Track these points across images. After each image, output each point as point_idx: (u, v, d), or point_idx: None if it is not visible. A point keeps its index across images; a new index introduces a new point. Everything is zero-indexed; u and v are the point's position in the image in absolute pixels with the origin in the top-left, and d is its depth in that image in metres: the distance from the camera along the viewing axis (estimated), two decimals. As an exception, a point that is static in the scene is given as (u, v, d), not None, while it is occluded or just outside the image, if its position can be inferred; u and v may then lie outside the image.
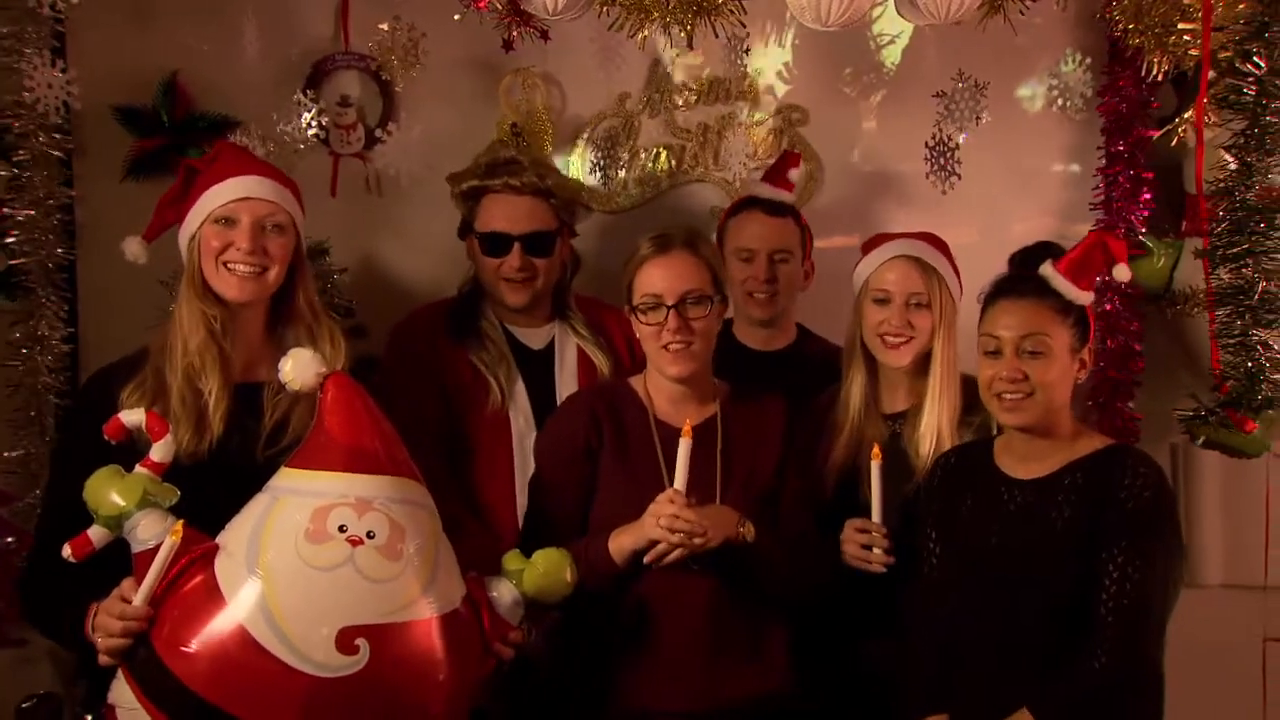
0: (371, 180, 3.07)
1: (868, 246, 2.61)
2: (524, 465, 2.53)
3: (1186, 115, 2.76)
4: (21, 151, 2.85)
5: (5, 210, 2.88)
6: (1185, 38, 2.68)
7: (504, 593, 2.05)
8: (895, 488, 2.40)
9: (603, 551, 2.22)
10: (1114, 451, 2.19)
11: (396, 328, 2.70)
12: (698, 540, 2.16)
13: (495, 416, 2.56)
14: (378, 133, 3.01)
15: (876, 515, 2.36)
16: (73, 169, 2.95)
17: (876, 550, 2.34)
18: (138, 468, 1.92)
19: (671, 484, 2.20)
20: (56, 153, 2.88)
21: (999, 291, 2.25)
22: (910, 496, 2.41)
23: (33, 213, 2.88)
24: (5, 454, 2.88)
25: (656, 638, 2.24)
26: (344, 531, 1.83)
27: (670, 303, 2.28)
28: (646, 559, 2.20)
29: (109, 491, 1.88)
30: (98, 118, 2.95)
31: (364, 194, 3.07)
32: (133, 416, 1.96)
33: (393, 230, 3.11)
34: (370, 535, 1.84)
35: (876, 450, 2.36)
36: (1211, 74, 2.74)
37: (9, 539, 2.73)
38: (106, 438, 1.95)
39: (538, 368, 2.64)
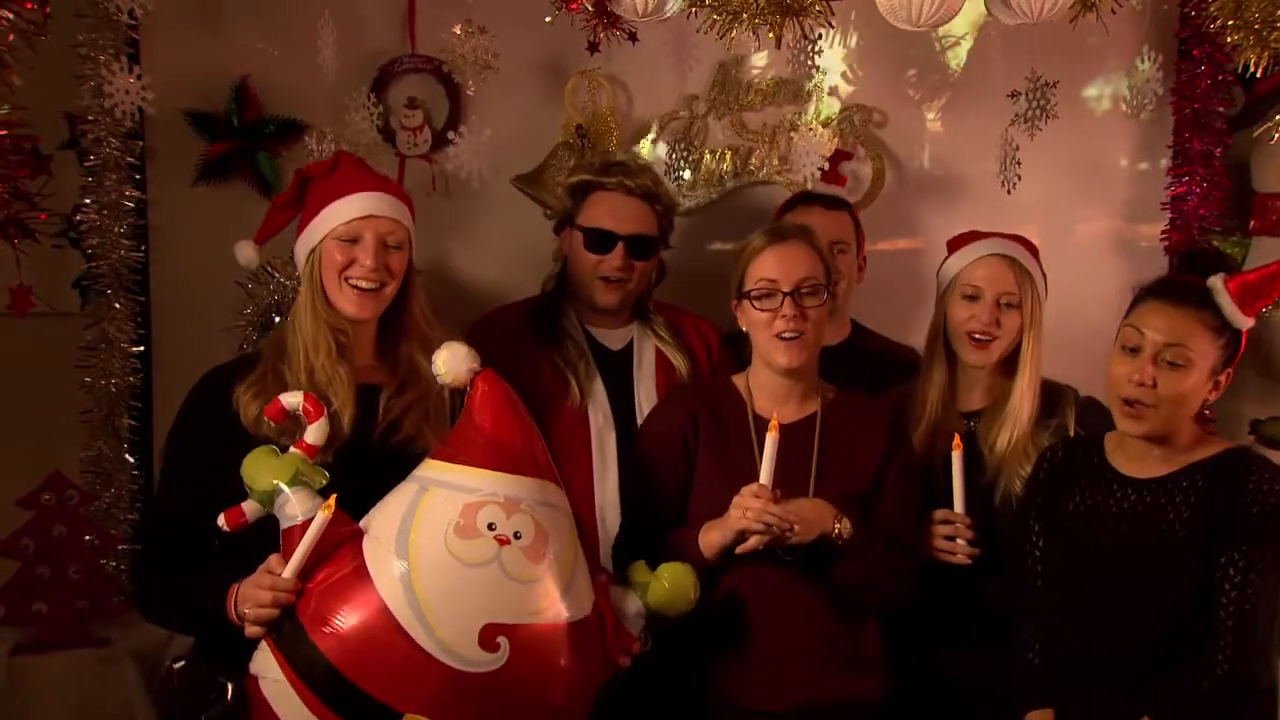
0: (438, 182, 3.08)
1: (957, 243, 2.57)
2: (602, 462, 2.55)
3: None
4: (94, 157, 2.90)
5: (79, 215, 2.93)
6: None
7: (628, 604, 2.07)
8: (970, 485, 2.37)
9: (693, 547, 2.22)
10: (1236, 454, 2.13)
11: (475, 325, 2.68)
12: (781, 532, 2.14)
13: (574, 414, 2.56)
14: (448, 135, 3.01)
15: (959, 506, 2.34)
16: (145, 173, 2.98)
17: (960, 541, 2.33)
18: (291, 448, 1.97)
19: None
20: (129, 157, 2.93)
21: (1158, 291, 2.17)
22: (988, 490, 2.38)
23: (105, 216, 2.93)
24: (80, 455, 2.93)
25: (755, 637, 2.24)
26: (492, 530, 1.86)
27: (786, 290, 2.26)
28: (738, 550, 2.18)
29: (264, 469, 1.92)
30: (168, 122, 2.98)
31: (430, 196, 3.07)
32: (292, 398, 2.00)
33: (460, 232, 3.12)
34: (517, 536, 1.87)
35: (957, 440, 2.33)
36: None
37: (88, 537, 2.77)
38: (267, 419, 2.01)
39: (616, 368, 2.65)
